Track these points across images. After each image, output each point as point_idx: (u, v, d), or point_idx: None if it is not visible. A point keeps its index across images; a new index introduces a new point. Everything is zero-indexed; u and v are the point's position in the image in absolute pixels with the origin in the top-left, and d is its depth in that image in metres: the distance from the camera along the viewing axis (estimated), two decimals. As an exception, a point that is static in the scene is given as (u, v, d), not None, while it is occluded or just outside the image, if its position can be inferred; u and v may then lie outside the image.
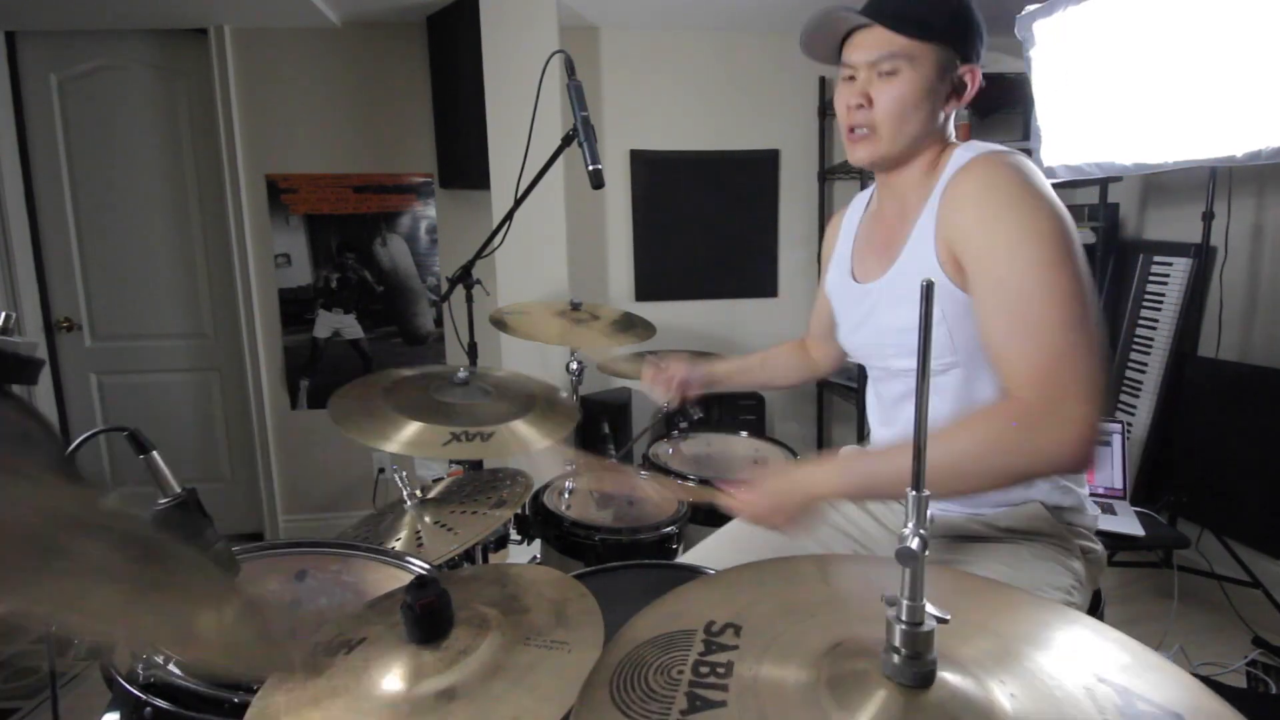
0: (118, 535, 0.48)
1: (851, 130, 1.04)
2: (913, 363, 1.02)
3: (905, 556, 0.48)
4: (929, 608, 0.48)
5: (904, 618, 0.48)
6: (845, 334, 1.22)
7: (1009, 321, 0.87)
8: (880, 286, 1.09)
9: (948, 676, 0.49)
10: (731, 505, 1.00)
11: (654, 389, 1.46)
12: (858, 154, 1.06)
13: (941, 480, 0.82)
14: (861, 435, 1.37)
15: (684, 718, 0.47)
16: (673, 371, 1.44)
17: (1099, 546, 1.12)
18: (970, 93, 1.03)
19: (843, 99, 1.05)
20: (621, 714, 0.49)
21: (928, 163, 1.05)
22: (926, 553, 0.48)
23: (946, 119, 1.05)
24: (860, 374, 3.01)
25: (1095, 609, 1.18)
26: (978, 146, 1.01)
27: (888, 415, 1.19)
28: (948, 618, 0.48)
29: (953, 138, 1.07)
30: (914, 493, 0.50)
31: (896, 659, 0.48)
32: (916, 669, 0.47)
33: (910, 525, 0.49)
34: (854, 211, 1.26)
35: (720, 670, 0.52)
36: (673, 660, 0.53)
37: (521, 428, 1.32)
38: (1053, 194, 0.93)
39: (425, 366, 1.50)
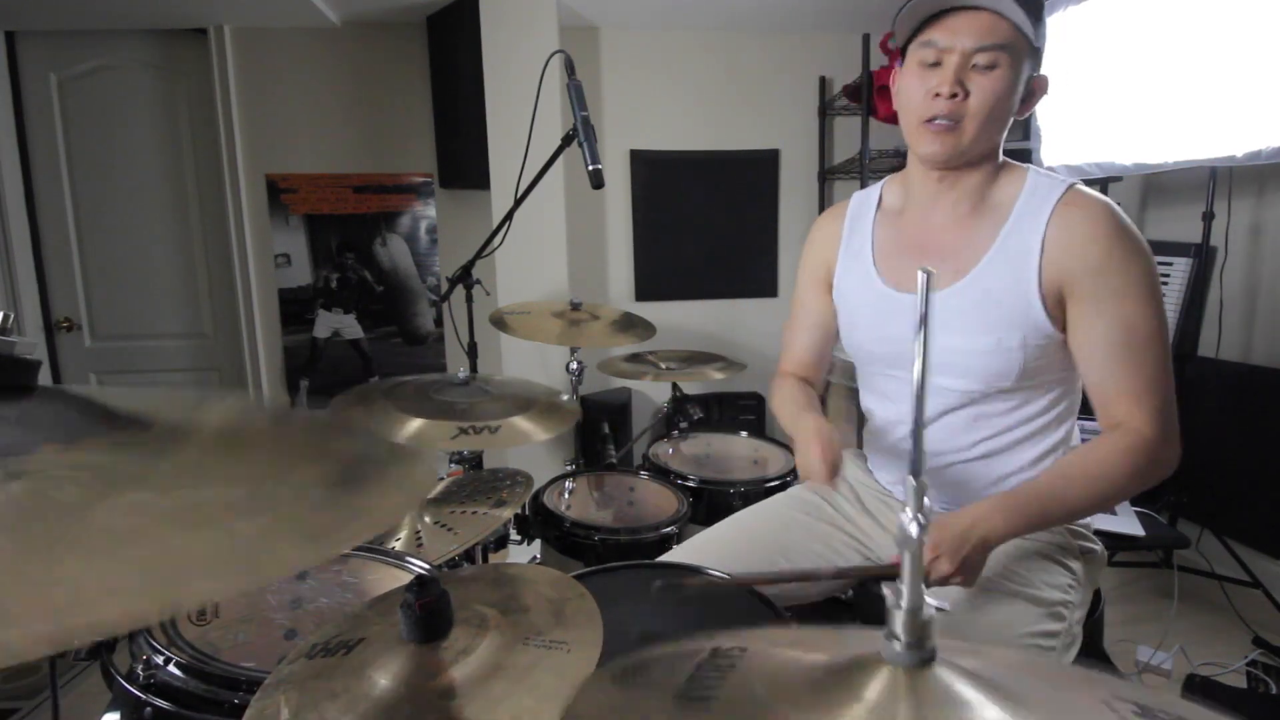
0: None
1: (931, 120, 0.96)
2: (959, 383, 1.03)
3: (905, 541, 0.48)
4: (928, 598, 0.48)
5: (903, 604, 0.48)
6: (865, 340, 1.16)
7: (1134, 366, 0.95)
8: (939, 299, 1.04)
9: (948, 670, 0.49)
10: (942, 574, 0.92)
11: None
12: (934, 147, 0.98)
13: (1091, 508, 1.00)
14: (861, 437, 1.36)
15: (680, 690, 0.49)
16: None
17: (1098, 546, 1.12)
18: (1036, 101, 1.01)
19: (923, 85, 0.96)
20: (620, 690, 0.51)
21: (988, 173, 1.03)
22: (925, 539, 0.48)
23: (1006, 131, 1.02)
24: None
25: (1095, 609, 1.18)
26: (1051, 175, 1.02)
27: (892, 427, 1.17)
28: (946, 606, 0.48)
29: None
30: (912, 480, 0.50)
31: (897, 646, 0.48)
32: (916, 656, 0.48)
33: (909, 511, 0.49)
34: (860, 212, 1.19)
35: (722, 665, 0.53)
36: (678, 663, 0.55)
37: (524, 423, 1.33)
38: None
39: (423, 375, 1.51)
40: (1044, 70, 1.02)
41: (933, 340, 1.04)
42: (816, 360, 1.28)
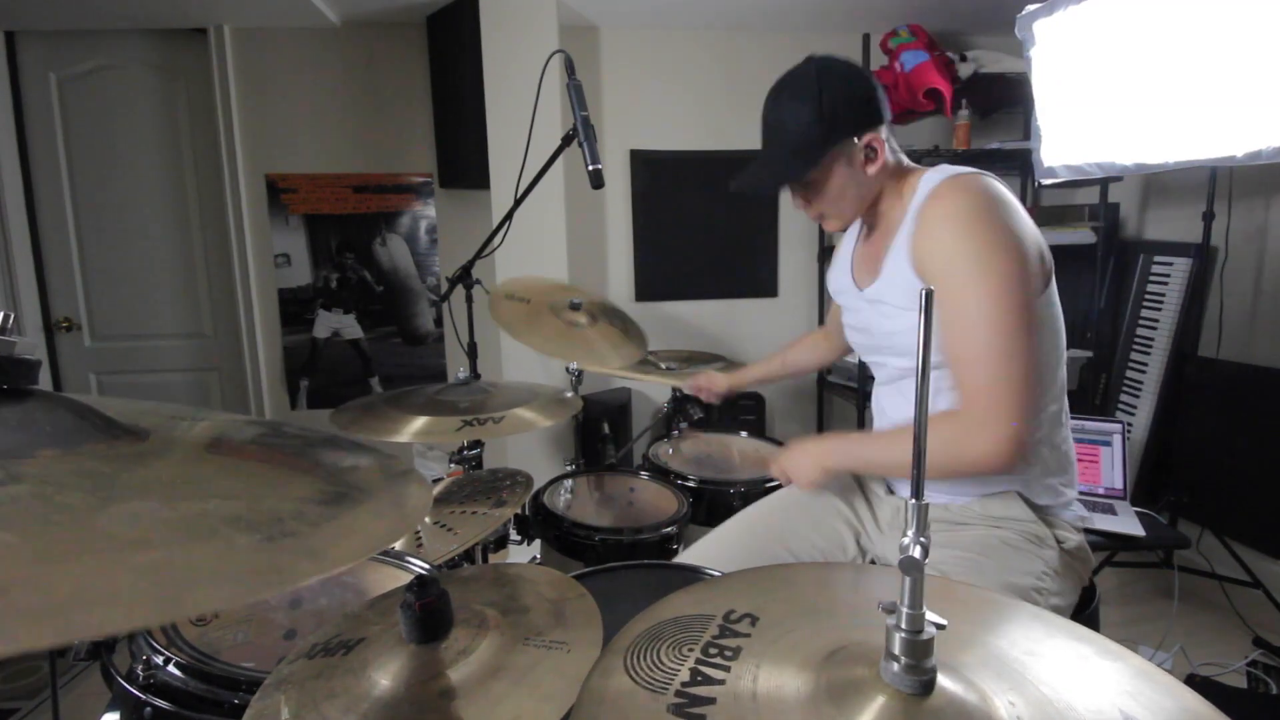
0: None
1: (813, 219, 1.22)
2: (901, 361, 1.15)
3: (909, 566, 0.48)
4: (927, 615, 0.48)
5: (904, 626, 0.48)
6: (849, 333, 1.33)
7: (960, 344, 0.99)
8: (871, 293, 1.18)
9: (945, 684, 0.49)
10: (775, 465, 1.25)
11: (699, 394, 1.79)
12: (829, 228, 1.23)
13: (899, 470, 1.15)
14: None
15: (684, 688, 0.50)
16: (711, 383, 1.80)
17: (1076, 536, 1.13)
18: (883, 150, 1.12)
19: (795, 205, 1.22)
20: (629, 678, 0.52)
21: (895, 192, 1.16)
22: (927, 560, 0.48)
23: (882, 167, 1.13)
24: (860, 374, 3.02)
25: (1087, 605, 1.18)
26: (946, 170, 1.09)
27: (878, 404, 1.28)
28: (944, 623, 0.48)
29: (901, 158, 1.17)
30: (913, 501, 0.50)
31: (896, 667, 0.48)
32: (916, 677, 0.47)
33: (910, 534, 0.49)
34: (852, 229, 1.36)
35: (728, 653, 0.54)
36: (687, 638, 0.56)
37: (527, 412, 1.34)
38: (1014, 217, 1.00)
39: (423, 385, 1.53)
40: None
41: (878, 326, 1.16)
42: (833, 327, 1.58)
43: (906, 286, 1.08)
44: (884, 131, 1.12)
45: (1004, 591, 1.01)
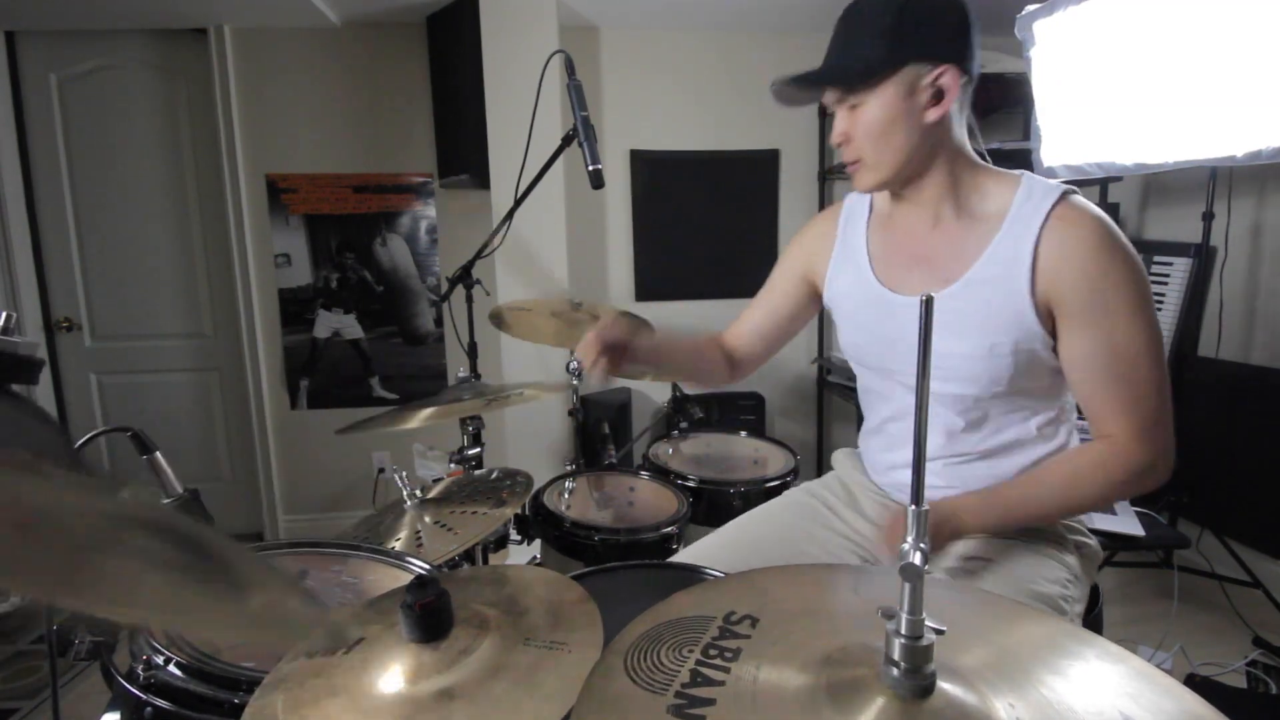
0: (158, 528, 0.52)
1: (847, 164, 1.07)
2: (954, 388, 1.04)
3: (909, 572, 0.48)
4: (927, 621, 0.48)
5: (903, 631, 0.48)
6: (863, 343, 1.18)
7: (1120, 384, 0.97)
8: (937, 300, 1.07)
9: (945, 686, 0.49)
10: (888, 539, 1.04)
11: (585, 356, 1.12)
12: (859, 183, 1.07)
13: (1060, 512, 1.07)
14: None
15: (683, 689, 0.50)
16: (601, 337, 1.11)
17: (1092, 540, 1.13)
18: (953, 94, 0.98)
19: (833, 135, 1.08)
20: (629, 680, 0.52)
21: (950, 174, 1.04)
22: (927, 566, 0.48)
23: (947, 125, 1.01)
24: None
25: (1093, 606, 1.18)
26: (1050, 184, 1.00)
27: (873, 443, 1.22)
28: (944, 629, 0.48)
29: (966, 145, 1.05)
30: (914, 507, 0.50)
31: (895, 672, 0.48)
32: (915, 682, 0.47)
33: (910, 539, 0.49)
34: (854, 214, 1.21)
35: (728, 655, 0.54)
36: (688, 639, 0.57)
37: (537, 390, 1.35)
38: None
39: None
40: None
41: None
42: (749, 334, 1.35)
43: (1009, 306, 0.97)
44: (961, 80, 0.98)
45: (1031, 601, 0.98)
